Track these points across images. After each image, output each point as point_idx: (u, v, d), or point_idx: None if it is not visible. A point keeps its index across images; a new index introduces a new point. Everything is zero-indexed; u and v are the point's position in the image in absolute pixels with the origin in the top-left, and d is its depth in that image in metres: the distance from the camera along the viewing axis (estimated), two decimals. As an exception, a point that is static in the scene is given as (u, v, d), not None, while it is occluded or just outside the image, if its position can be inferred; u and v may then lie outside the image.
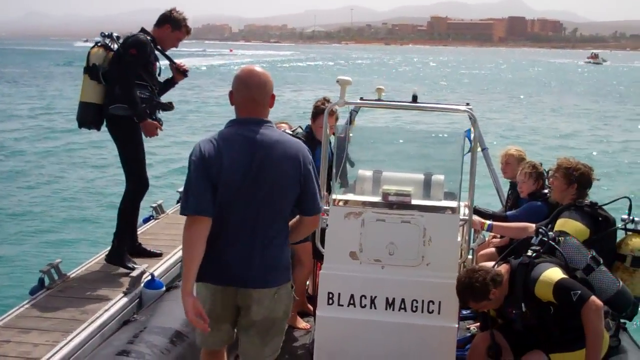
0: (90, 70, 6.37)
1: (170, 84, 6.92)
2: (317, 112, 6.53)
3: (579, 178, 5.36)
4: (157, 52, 6.67)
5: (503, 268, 4.88)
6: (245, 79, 3.90)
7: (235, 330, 4.09)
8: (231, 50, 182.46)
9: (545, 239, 4.89)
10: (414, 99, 5.70)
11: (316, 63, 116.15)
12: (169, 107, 6.74)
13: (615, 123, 38.56)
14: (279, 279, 3.95)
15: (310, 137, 6.50)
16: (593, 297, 4.48)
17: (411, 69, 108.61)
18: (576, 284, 4.55)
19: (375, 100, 6.02)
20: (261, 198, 3.80)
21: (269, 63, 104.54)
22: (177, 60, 6.92)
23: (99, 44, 6.47)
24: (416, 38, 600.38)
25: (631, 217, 5.27)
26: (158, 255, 6.93)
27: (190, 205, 3.73)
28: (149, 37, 6.49)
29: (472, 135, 5.86)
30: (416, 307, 5.17)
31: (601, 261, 4.85)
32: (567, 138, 31.58)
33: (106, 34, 6.52)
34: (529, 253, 4.80)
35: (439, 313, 5.15)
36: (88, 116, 6.44)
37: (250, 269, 3.84)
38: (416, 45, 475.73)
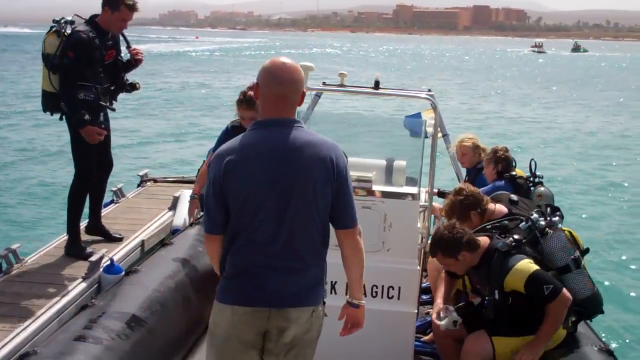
0: (45, 60, 6.26)
1: (131, 65, 6.77)
2: (239, 102, 6.31)
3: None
4: (121, 36, 6.59)
5: (482, 239, 4.86)
6: (278, 72, 3.45)
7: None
8: (197, 37, 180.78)
9: (533, 228, 4.87)
10: (376, 84, 5.71)
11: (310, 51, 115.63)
12: (134, 87, 6.70)
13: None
14: (317, 297, 3.63)
15: (240, 127, 6.23)
16: (564, 291, 4.56)
17: (377, 55, 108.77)
18: (548, 277, 4.60)
19: (338, 85, 6.01)
20: (293, 210, 3.41)
21: (235, 50, 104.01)
22: (134, 46, 6.79)
23: (54, 30, 6.29)
24: (382, 26, 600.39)
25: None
26: (119, 239, 6.87)
27: (205, 224, 3.58)
28: (91, 30, 6.23)
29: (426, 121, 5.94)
30: (376, 292, 5.19)
31: (582, 264, 4.85)
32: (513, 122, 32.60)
33: (58, 19, 6.33)
34: (511, 240, 4.76)
35: (398, 298, 5.18)
36: (49, 104, 6.36)
37: (288, 288, 3.48)
38: (382, 33, 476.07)
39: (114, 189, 8.64)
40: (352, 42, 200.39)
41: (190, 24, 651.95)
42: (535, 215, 4.93)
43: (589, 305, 4.89)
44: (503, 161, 6.43)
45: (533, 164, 6.43)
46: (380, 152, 5.67)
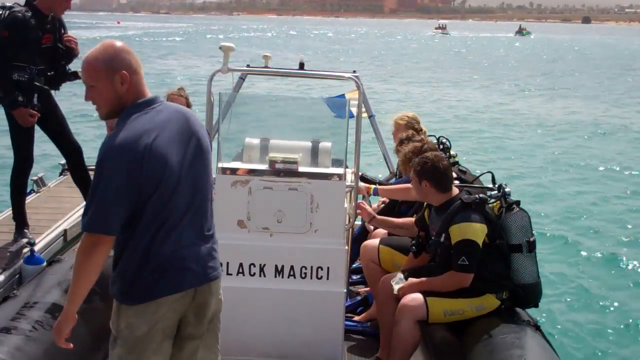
0: None
1: (71, 54, 6.52)
2: None
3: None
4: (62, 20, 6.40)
5: (455, 189, 5.12)
6: (129, 50, 3.32)
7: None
8: (118, 22, 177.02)
9: (502, 199, 5.02)
10: (301, 66, 5.70)
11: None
12: (77, 76, 6.43)
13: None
14: (219, 265, 3.61)
15: None
16: (468, 276, 4.80)
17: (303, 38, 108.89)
18: (475, 254, 4.77)
19: (262, 67, 5.97)
20: (201, 185, 3.40)
21: (157, 35, 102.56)
22: (70, 33, 6.55)
23: None
24: (309, 9, 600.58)
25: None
26: None
27: (99, 222, 3.13)
28: (29, 11, 6.05)
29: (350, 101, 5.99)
30: (305, 273, 5.20)
31: (535, 250, 4.95)
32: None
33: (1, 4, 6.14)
34: (476, 197, 4.92)
35: (327, 278, 5.20)
36: None
37: (207, 261, 3.45)
38: (309, 17, 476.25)
39: (35, 178, 8.37)
40: (278, 25, 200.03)
41: (112, 8, 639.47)
42: (508, 189, 5.09)
43: (525, 293, 5.01)
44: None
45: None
46: (306, 134, 5.67)
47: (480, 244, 4.81)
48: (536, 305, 5.12)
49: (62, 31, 6.46)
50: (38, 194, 8.20)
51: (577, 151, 21.83)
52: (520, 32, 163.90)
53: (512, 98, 36.28)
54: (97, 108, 3.36)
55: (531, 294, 5.02)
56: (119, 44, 3.32)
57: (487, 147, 21.89)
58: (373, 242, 5.96)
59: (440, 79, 45.87)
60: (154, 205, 3.23)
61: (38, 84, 6.13)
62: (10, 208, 7.04)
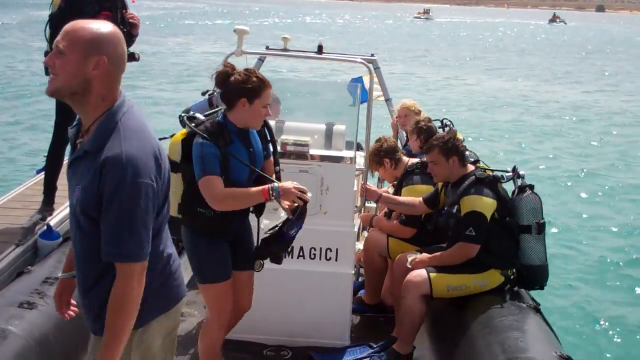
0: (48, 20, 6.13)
1: (131, 34, 6.44)
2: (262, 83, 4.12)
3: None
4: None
5: (469, 166, 5.27)
6: (121, 39, 2.81)
7: None
8: (134, 1, 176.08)
9: (515, 180, 5.19)
10: (319, 49, 5.72)
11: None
12: (133, 57, 6.42)
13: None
14: None
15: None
16: (474, 246, 4.94)
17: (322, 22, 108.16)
18: (483, 227, 4.93)
19: (280, 50, 6.00)
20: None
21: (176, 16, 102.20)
22: (130, 11, 6.48)
23: None
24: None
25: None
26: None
27: (145, 247, 2.73)
28: None
29: (365, 85, 5.99)
30: (314, 254, 5.27)
31: (544, 232, 5.09)
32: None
33: None
34: (489, 175, 5.13)
35: (336, 260, 5.27)
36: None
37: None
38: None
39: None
40: (295, 8, 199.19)
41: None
42: (523, 172, 5.24)
43: (532, 274, 5.13)
44: (425, 132, 6.40)
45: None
46: (322, 117, 5.71)
47: (488, 218, 4.95)
48: (542, 287, 5.21)
49: (124, 11, 6.44)
50: (51, 169, 8.22)
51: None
52: (554, 20, 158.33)
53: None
54: (51, 79, 2.75)
55: (537, 276, 5.14)
56: (113, 27, 2.82)
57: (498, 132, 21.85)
58: (378, 234, 5.97)
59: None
60: (164, 217, 2.93)
61: None
62: (22, 185, 7.14)
